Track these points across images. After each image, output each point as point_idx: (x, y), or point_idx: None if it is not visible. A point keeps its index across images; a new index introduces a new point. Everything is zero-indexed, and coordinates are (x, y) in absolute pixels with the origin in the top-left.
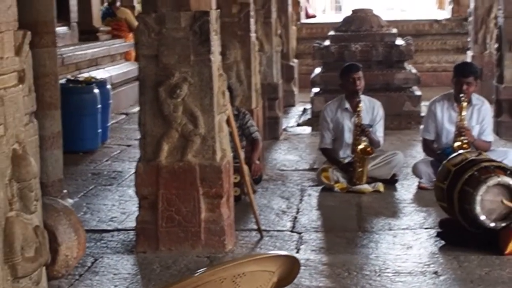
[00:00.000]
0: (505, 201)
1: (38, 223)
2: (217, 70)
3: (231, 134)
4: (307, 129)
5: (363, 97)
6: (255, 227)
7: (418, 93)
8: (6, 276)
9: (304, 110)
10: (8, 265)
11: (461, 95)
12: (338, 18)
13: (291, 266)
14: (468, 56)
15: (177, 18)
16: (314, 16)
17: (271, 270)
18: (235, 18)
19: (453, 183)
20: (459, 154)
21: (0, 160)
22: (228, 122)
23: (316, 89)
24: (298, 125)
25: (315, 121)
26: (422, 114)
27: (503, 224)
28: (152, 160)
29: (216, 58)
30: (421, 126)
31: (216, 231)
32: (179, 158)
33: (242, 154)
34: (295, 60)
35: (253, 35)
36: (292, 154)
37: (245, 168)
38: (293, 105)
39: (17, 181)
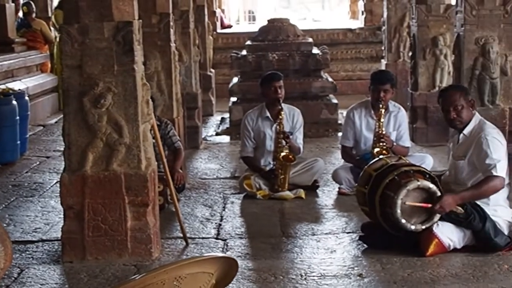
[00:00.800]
0: (408, 203)
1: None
2: (141, 80)
3: (154, 143)
4: (226, 138)
5: (282, 105)
6: (180, 235)
7: (335, 101)
8: None
9: (222, 120)
10: None
11: (379, 102)
12: (252, 28)
13: (229, 268)
14: (382, 64)
15: (100, 29)
16: (230, 26)
17: (210, 272)
18: (155, 29)
19: (375, 187)
20: (380, 159)
21: None
22: (152, 131)
23: (234, 99)
24: (217, 134)
25: (233, 130)
26: (339, 121)
27: (424, 227)
28: (77, 170)
29: (139, 68)
30: (339, 134)
31: (143, 239)
32: (105, 168)
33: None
34: (212, 70)
35: (173, 45)
36: (212, 163)
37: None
38: (211, 115)
39: None
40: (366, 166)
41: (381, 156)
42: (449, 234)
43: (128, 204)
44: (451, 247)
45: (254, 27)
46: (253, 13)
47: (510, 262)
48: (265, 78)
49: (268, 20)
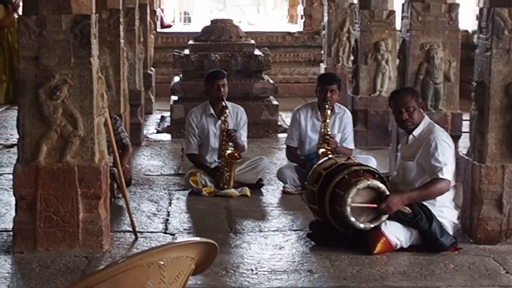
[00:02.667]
0: (354, 204)
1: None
2: (96, 73)
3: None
4: (167, 136)
5: (226, 103)
6: (128, 228)
7: (275, 102)
8: None
9: (162, 118)
10: None
11: (326, 102)
12: (192, 28)
13: (209, 253)
14: (322, 68)
15: (58, 21)
16: (169, 26)
17: (192, 256)
18: (105, 24)
19: (324, 186)
20: (329, 158)
21: None
22: (105, 124)
23: (175, 97)
24: (158, 132)
25: (174, 128)
26: (279, 123)
27: (372, 226)
28: (31, 161)
29: (95, 61)
30: (279, 135)
31: (94, 231)
32: (58, 159)
33: (116, 157)
34: (153, 69)
35: (122, 41)
36: (155, 160)
37: (115, 171)
38: (150, 113)
39: None
40: (315, 165)
41: (330, 156)
42: (396, 233)
43: (80, 196)
44: (398, 246)
45: (192, 28)
46: (188, 14)
47: (455, 261)
48: (209, 76)
49: (211, 21)
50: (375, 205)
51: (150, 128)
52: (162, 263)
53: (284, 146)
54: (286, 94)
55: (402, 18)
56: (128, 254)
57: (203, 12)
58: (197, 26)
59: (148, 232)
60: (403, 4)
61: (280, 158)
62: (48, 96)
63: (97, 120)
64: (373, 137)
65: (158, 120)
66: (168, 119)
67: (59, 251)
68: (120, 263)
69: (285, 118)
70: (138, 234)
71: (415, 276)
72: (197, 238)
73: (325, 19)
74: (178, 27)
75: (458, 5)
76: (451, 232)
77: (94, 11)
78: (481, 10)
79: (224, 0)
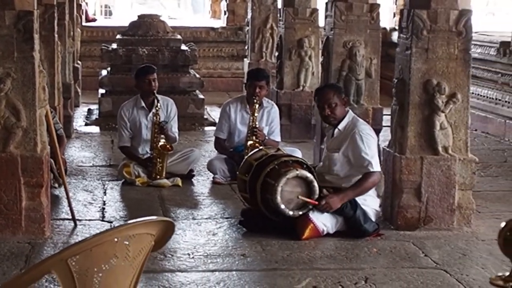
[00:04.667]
0: (301, 197)
1: None
2: (38, 67)
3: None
4: (95, 129)
5: (157, 96)
6: (66, 216)
7: (201, 96)
8: None
9: (89, 111)
10: None
11: (254, 97)
12: (114, 23)
13: (167, 230)
14: (245, 63)
15: (1, 17)
16: (94, 20)
17: (152, 233)
18: (40, 19)
19: (256, 175)
20: (260, 149)
21: None
22: (46, 116)
23: (102, 91)
24: (87, 124)
25: (103, 121)
26: (205, 116)
27: (300, 213)
28: None
29: (37, 56)
30: (206, 128)
31: (37, 218)
32: (1, 149)
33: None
34: (79, 62)
35: (56, 35)
36: (86, 151)
37: (52, 162)
38: (78, 106)
39: None
40: (247, 156)
41: (260, 147)
42: (323, 219)
43: (23, 184)
44: (325, 232)
45: (117, 22)
46: (109, 7)
47: (378, 246)
48: (139, 71)
49: (138, 16)
50: (316, 202)
51: (78, 121)
52: (128, 239)
53: (211, 138)
54: (210, 88)
55: (326, 17)
56: (69, 240)
57: (124, 5)
58: (119, 19)
59: (86, 220)
60: (326, 3)
61: (208, 150)
62: None
63: (39, 112)
64: (297, 130)
65: (86, 113)
66: (95, 111)
67: (2, 237)
68: (90, 238)
69: (210, 112)
70: (77, 222)
71: (341, 259)
72: (157, 217)
73: (249, 15)
74: (102, 21)
75: (379, 5)
76: (373, 219)
77: (36, 8)
78: (401, 11)
79: None
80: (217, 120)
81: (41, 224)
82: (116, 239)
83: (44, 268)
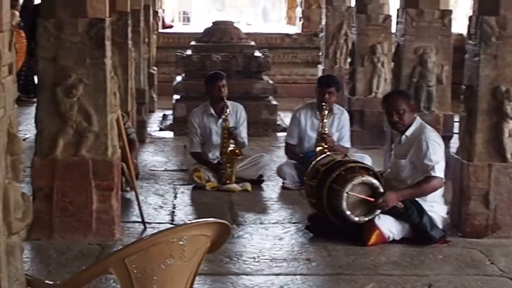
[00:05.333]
0: (350, 192)
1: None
2: (110, 73)
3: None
4: (169, 134)
5: (226, 102)
6: (136, 219)
7: (274, 102)
8: (3, 231)
9: (164, 116)
10: (5, 223)
11: (323, 103)
12: (192, 29)
13: (222, 232)
14: (319, 70)
15: (74, 24)
16: (170, 27)
17: (208, 235)
18: (114, 26)
19: (322, 181)
20: (327, 155)
21: (1, 137)
22: (117, 121)
23: (177, 96)
24: (161, 129)
25: (177, 126)
26: (278, 122)
27: (366, 219)
28: (48, 154)
29: (109, 62)
30: (278, 134)
31: (107, 221)
32: (74, 153)
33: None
34: (155, 68)
35: (130, 42)
36: (159, 156)
37: (124, 166)
38: (153, 111)
39: (10, 155)
40: (314, 162)
41: (328, 153)
42: (389, 226)
43: (94, 188)
44: (391, 238)
45: (193, 28)
46: (187, 14)
47: (443, 253)
48: (209, 78)
49: (213, 22)
50: (372, 199)
51: (153, 126)
52: (184, 239)
53: (283, 144)
54: (284, 94)
55: (397, 23)
56: None
57: (202, 12)
58: (196, 26)
59: (155, 223)
60: (398, 10)
61: (280, 156)
62: (65, 94)
63: (110, 117)
64: (369, 137)
65: (161, 118)
66: (170, 117)
67: (73, 239)
68: (147, 238)
69: (283, 118)
70: (147, 225)
71: (405, 266)
72: (213, 219)
73: (323, 21)
74: (179, 27)
75: (450, 11)
76: (440, 226)
77: (108, 15)
78: (470, 18)
79: (223, 0)
80: None
81: (111, 226)
82: (172, 240)
83: (102, 266)
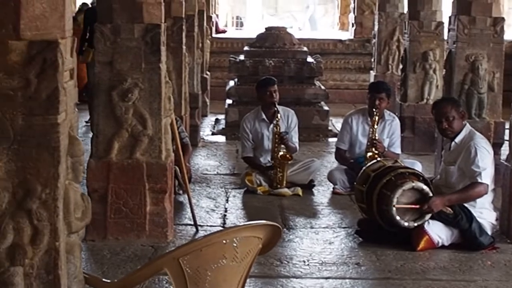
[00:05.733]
0: (397, 205)
1: (82, 191)
2: (164, 78)
3: (172, 136)
4: (222, 138)
5: (277, 107)
6: (188, 222)
7: (326, 108)
8: (64, 230)
9: (217, 120)
10: (65, 222)
11: (374, 109)
12: (245, 34)
13: (273, 234)
14: (371, 76)
15: (131, 29)
16: (224, 31)
17: (260, 236)
18: (169, 31)
19: (372, 186)
20: (378, 161)
21: (63, 139)
22: (171, 125)
23: (229, 101)
24: (213, 134)
25: (229, 130)
26: (330, 128)
27: (416, 224)
28: (103, 157)
29: (164, 67)
30: (330, 139)
31: (160, 223)
32: (128, 156)
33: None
34: (208, 73)
35: (184, 47)
36: (212, 160)
37: (177, 169)
38: (206, 115)
39: (71, 157)
40: (365, 167)
41: (378, 159)
42: (438, 231)
43: (148, 190)
44: (440, 244)
45: (245, 34)
46: (241, 19)
47: (492, 259)
48: (261, 83)
49: (266, 28)
50: (417, 206)
51: (205, 130)
52: (236, 241)
53: (334, 149)
54: (336, 100)
55: (449, 30)
56: None
57: (255, 17)
58: (249, 31)
59: (207, 225)
60: (450, 17)
61: (330, 161)
62: (120, 98)
63: (164, 121)
64: (420, 143)
65: (213, 122)
66: (222, 121)
67: (127, 240)
68: (201, 239)
69: (335, 123)
70: (199, 228)
71: (454, 271)
72: (265, 221)
73: (376, 27)
74: (232, 32)
75: (503, 19)
76: (489, 232)
77: (163, 21)
78: None
79: (276, 5)
80: None
81: (164, 228)
82: (224, 241)
83: (157, 265)
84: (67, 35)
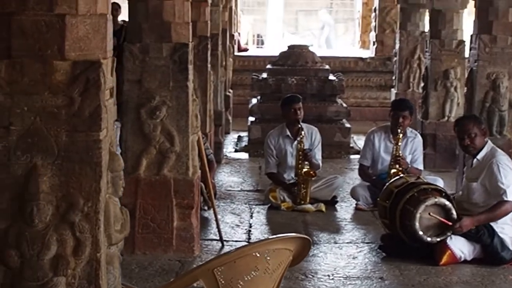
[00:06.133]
0: (433, 214)
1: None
2: (192, 96)
3: (199, 153)
4: (244, 155)
5: (302, 125)
6: (214, 237)
7: (348, 125)
8: (104, 242)
9: (239, 138)
10: (106, 235)
11: (398, 127)
12: (267, 52)
13: (303, 247)
14: (393, 93)
15: (159, 49)
16: (246, 50)
17: (290, 249)
18: (195, 50)
19: (396, 202)
20: (401, 177)
21: (104, 155)
22: (198, 142)
23: (252, 118)
24: (236, 151)
25: (252, 147)
26: (351, 145)
27: (438, 239)
28: (132, 173)
29: (191, 85)
30: (351, 156)
31: (187, 238)
32: (156, 172)
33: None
34: (231, 90)
35: (209, 65)
36: (235, 177)
37: (202, 185)
38: (228, 132)
39: (111, 171)
40: (388, 183)
41: (401, 175)
42: (460, 246)
43: (175, 206)
44: (462, 259)
45: (267, 52)
46: (261, 37)
47: None
48: (285, 101)
49: (288, 46)
50: (450, 223)
51: (228, 147)
52: (268, 253)
53: (356, 166)
54: (357, 117)
55: (470, 49)
56: None
57: (276, 35)
58: (270, 49)
59: (232, 241)
60: (471, 36)
61: (353, 178)
62: (148, 115)
63: (191, 138)
64: (441, 160)
65: (236, 140)
66: (245, 138)
67: (155, 255)
68: (234, 251)
69: (356, 140)
70: (224, 243)
71: (476, 285)
72: (295, 234)
73: (397, 46)
74: (253, 50)
75: None
76: (511, 248)
77: (191, 40)
78: None
79: (296, 24)
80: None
81: (190, 243)
82: (257, 254)
83: (193, 276)
84: (108, 55)
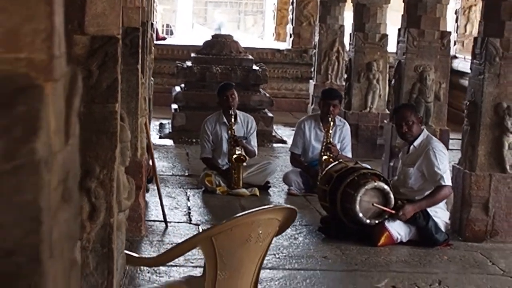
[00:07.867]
0: (376, 204)
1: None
2: (140, 79)
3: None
4: (169, 142)
5: (238, 113)
6: (156, 218)
7: (270, 114)
8: (115, 208)
9: (161, 125)
10: (117, 201)
11: (328, 115)
12: (181, 41)
13: (289, 216)
14: (311, 85)
15: None
16: (164, 39)
17: (279, 219)
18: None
19: (336, 185)
20: (339, 162)
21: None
22: (145, 125)
23: (175, 106)
24: (160, 137)
25: (176, 134)
26: (274, 134)
27: (377, 221)
28: None
29: (140, 69)
30: (274, 144)
31: (134, 218)
32: None
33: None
34: (152, 78)
35: (146, 52)
36: (164, 162)
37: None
38: (149, 120)
39: (120, 142)
40: (327, 168)
41: (340, 161)
42: (397, 228)
43: None
44: (399, 240)
45: (179, 41)
46: (171, 27)
47: (448, 254)
48: (219, 89)
49: (212, 36)
50: (393, 211)
51: (152, 134)
52: (261, 222)
53: (280, 154)
54: (274, 108)
55: (399, 42)
56: (163, 239)
57: (185, 25)
58: (180, 39)
59: (175, 222)
60: (399, 29)
61: (279, 165)
62: None
63: (140, 120)
64: (363, 149)
65: (158, 127)
66: (167, 126)
67: None
68: (230, 220)
69: (276, 130)
70: (168, 224)
71: (415, 264)
72: (285, 204)
73: (316, 38)
74: (170, 40)
75: (449, 33)
76: (443, 230)
77: (140, 25)
78: (475, 38)
79: (205, 15)
80: (283, 137)
81: (138, 223)
82: (251, 222)
83: (193, 242)
84: (120, 32)
